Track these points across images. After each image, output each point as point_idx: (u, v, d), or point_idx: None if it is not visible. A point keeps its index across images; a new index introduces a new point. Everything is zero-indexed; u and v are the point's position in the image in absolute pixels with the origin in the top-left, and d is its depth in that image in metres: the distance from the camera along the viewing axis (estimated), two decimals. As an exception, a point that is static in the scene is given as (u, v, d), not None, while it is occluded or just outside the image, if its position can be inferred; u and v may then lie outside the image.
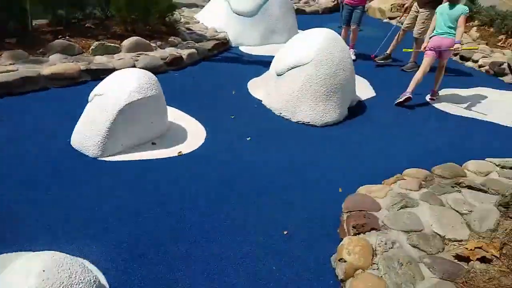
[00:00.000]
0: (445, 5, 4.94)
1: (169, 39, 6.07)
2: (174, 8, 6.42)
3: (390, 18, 10.10)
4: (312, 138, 4.10)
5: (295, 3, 10.87)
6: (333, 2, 10.88)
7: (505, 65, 6.35)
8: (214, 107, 4.63)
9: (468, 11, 4.85)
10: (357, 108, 4.84)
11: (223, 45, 6.67)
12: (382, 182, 3.22)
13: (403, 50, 5.91)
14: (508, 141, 4.16)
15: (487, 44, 7.55)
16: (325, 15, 10.54)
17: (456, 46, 4.80)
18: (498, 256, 2.32)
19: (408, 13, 6.42)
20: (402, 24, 6.67)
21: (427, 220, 2.66)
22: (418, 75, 5.04)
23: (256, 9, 6.98)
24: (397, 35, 6.47)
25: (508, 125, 4.65)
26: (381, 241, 2.46)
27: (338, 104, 4.39)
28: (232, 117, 4.41)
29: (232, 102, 4.81)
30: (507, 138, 4.29)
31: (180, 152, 3.68)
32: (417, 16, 6.16)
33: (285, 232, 2.77)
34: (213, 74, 5.64)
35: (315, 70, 4.25)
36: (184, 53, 5.79)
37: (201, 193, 3.12)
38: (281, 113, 4.47)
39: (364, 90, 5.39)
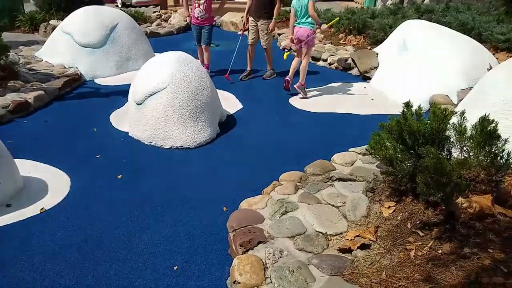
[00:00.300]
0: None
1: (9, 84, 5.37)
2: (7, 49, 5.68)
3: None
4: (188, 161, 3.98)
5: (147, 26, 10.66)
6: (185, 21, 10.93)
7: (349, 60, 7.05)
8: (75, 149, 4.21)
9: None
10: (227, 123, 4.88)
11: (75, 81, 6.14)
12: (262, 191, 3.25)
13: (284, 58, 5.88)
14: (363, 128, 4.57)
15: (331, 43, 8.31)
16: (181, 35, 10.55)
17: (322, 27, 5.34)
18: (375, 239, 2.47)
19: (247, 28, 6.50)
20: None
21: (308, 220, 2.73)
22: (294, 63, 5.70)
23: (103, 39, 6.60)
24: (248, 51, 6.57)
25: (361, 114, 5.13)
26: (269, 253, 2.44)
27: (207, 123, 4.35)
28: (98, 156, 4.06)
29: (95, 140, 4.44)
30: (362, 125, 4.71)
31: (43, 208, 3.24)
32: (257, 29, 6.35)
33: (175, 268, 2.60)
34: (69, 114, 5.16)
35: (174, 94, 4.15)
36: (30, 96, 5.18)
37: (71, 249, 2.77)
38: (151, 142, 4.26)
39: (231, 104, 5.46)
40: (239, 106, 5.48)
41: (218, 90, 5.73)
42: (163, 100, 4.14)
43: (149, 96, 4.19)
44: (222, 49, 8.78)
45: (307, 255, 2.45)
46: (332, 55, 7.47)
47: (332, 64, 7.33)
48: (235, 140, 4.46)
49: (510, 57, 5.78)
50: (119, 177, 3.68)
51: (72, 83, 6.06)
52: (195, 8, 6.21)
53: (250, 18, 6.39)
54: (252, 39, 6.45)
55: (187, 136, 4.19)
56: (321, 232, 2.62)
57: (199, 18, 6.25)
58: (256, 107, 5.41)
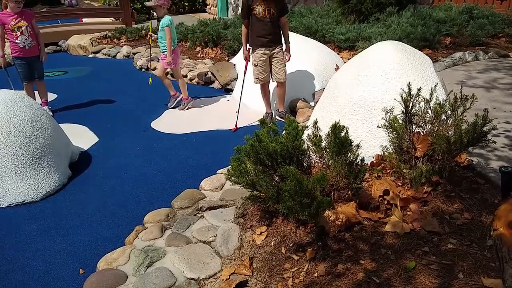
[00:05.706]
0: None
1: None
2: None
3: (95, 53, 9.76)
4: (33, 218, 3.33)
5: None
6: None
7: (209, 74, 6.91)
8: None
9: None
10: (81, 161, 4.30)
11: None
12: (124, 241, 2.84)
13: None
14: (230, 144, 4.42)
15: (189, 57, 8.10)
16: None
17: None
18: (251, 274, 2.27)
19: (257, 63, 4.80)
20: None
21: (178, 268, 2.42)
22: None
23: None
24: (262, 91, 5.08)
25: (227, 128, 4.97)
26: (136, 320, 2.08)
27: (53, 168, 3.74)
28: None
29: None
30: (229, 141, 4.55)
31: None
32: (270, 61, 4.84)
33: None
34: None
35: (3, 142, 3.46)
36: None
37: None
38: (-18, 203, 3.50)
39: (84, 138, 4.87)
40: (94, 139, 4.90)
41: (67, 124, 5.13)
42: (-13, 150, 3.43)
43: (-32, 150, 3.43)
44: (71, 76, 7.95)
45: (180, 312, 2.14)
46: (191, 70, 7.26)
47: (193, 79, 7.11)
48: (91, 181, 3.91)
49: (353, 54, 6.24)
50: None
51: None
52: (15, 38, 5.14)
53: (259, 50, 4.73)
54: (265, 75, 4.88)
55: (28, 188, 3.53)
56: (193, 279, 2.33)
57: (27, 48, 5.24)
58: (115, 137, 4.90)
